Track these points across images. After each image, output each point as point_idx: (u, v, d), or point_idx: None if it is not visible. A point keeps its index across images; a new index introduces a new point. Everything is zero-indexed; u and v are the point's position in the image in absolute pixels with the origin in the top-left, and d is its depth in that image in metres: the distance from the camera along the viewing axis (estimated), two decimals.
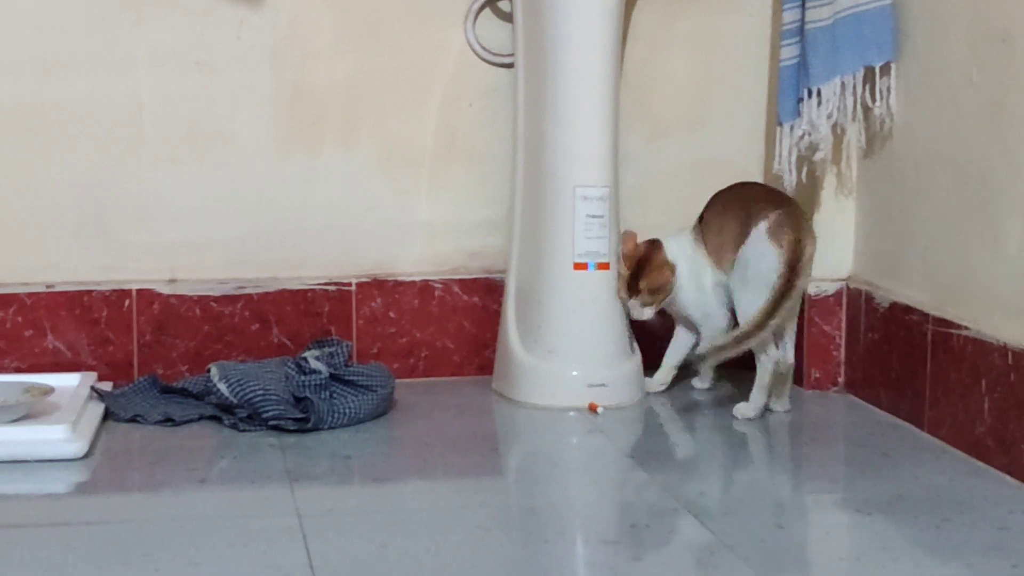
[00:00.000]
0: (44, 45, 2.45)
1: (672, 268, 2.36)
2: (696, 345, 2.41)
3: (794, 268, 2.27)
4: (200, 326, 2.50)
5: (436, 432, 2.31)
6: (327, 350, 2.36)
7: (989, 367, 2.07)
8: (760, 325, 2.25)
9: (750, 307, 2.27)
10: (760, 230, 2.29)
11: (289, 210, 2.54)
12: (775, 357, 2.30)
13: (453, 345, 2.55)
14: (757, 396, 2.31)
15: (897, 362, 2.33)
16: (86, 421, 2.19)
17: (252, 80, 2.51)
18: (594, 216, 2.39)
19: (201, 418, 2.29)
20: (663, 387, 2.45)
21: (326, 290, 2.54)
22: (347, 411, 2.26)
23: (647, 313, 2.37)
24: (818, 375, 2.50)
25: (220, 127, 2.51)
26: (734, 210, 2.34)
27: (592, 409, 2.36)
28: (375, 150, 2.56)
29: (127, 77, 2.47)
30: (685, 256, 2.37)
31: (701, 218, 2.40)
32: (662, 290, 2.36)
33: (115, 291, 2.48)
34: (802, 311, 2.49)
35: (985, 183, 2.12)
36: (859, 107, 2.37)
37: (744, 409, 2.31)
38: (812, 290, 2.49)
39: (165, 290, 2.49)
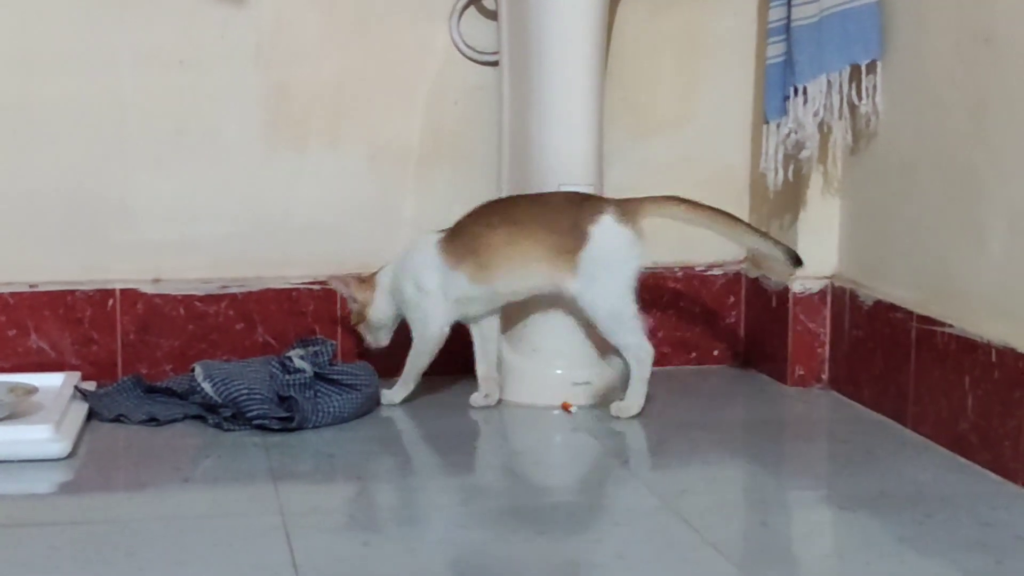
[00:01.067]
0: (27, 44, 2.45)
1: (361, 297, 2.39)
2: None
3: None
4: (184, 325, 2.50)
5: (420, 431, 2.31)
6: (311, 349, 2.36)
7: (972, 364, 2.08)
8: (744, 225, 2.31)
9: (615, 293, 2.26)
10: (606, 224, 2.27)
11: (274, 209, 2.54)
12: (650, 350, 2.29)
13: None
14: (638, 392, 2.30)
15: (881, 359, 2.33)
16: (70, 421, 2.18)
17: (236, 79, 2.51)
18: None
19: (185, 417, 2.29)
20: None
21: (311, 289, 2.54)
22: (331, 410, 2.26)
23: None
24: (802, 372, 2.50)
25: (204, 126, 2.51)
26: (537, 223, 2.28)
27: (565, 408, 2.36)
28: (360, 148, 2.56)
29: (111, 76, 2.47)
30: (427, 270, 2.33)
31: (452, 238, 2.33)
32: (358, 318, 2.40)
33: (99, 291, 2.47)
34: (787, 308, 2.50)
35: (969, 182, 2.12)
36: (845, 105, 2.37)
37: (626, 407, 2.30)
38: (797, 288, 2.50)
39: (149, 289, 2.49)
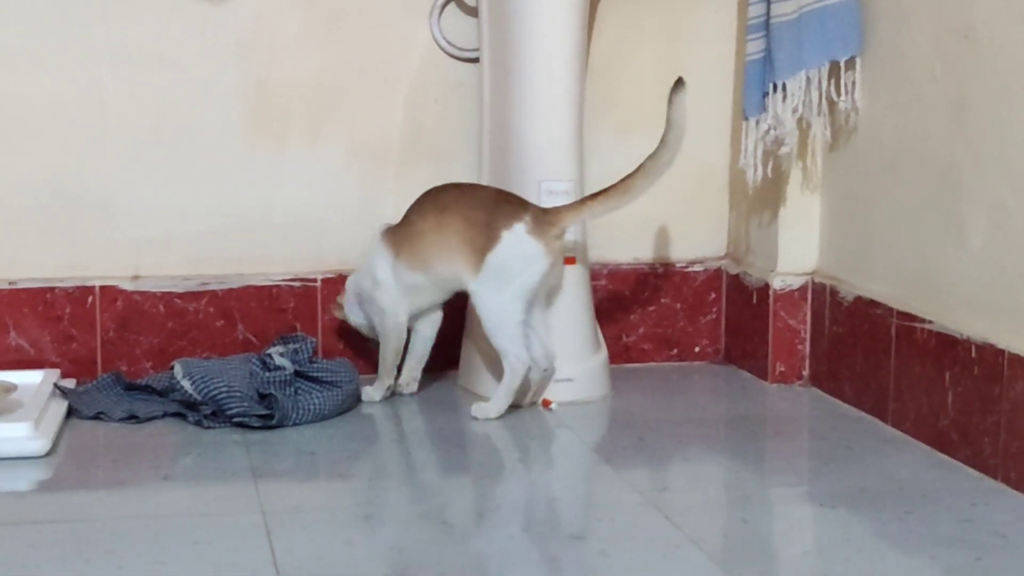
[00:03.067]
0: (6, 41, 2.44)
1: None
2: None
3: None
4: (164, 323, 2.49)
5: (401, 428, 2.31)
6: (292, 346, 2.35)
7: (952, 361, 2.08)
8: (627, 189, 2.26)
9: (505, 298, 2.26)
10: (518, 232, 2.26)
11: (254, 206, 2.54)
12: (526, 362, 2.28)
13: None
14: (502, 397, 2.29)
15: (861, 356, 2.34)
16: (49, 418, 2.18)
17: (217, 76, 2.50)
18: None
19: (165, 415, 2.28)
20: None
21: (291, 286, 2.53)
22: (312, 407, 2.25)
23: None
24: (783, 369, 2.51)
25: (184, 123, 2.50)
26: (460, 216, 2.29)
27: (545, 405, 2.36)
28: (341, 146, 2.56)
29: (90, 73, 2.46)
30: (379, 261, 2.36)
31: (396, 228, 2.36)
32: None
33: (78, 288, 2.47)
34: (767, 305, 2.51)
35: (948, 178, 2.13)
36: (824, 101, 2.38)
37: (486, 409, 2.29)
38: (777, 284, 2.50)
39: (129, 287, 2.48)
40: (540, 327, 2.32)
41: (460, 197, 2.32)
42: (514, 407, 2.32)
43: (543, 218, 2.28)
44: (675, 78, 2.26)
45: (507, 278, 2.27)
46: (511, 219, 2.27)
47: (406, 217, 2.37)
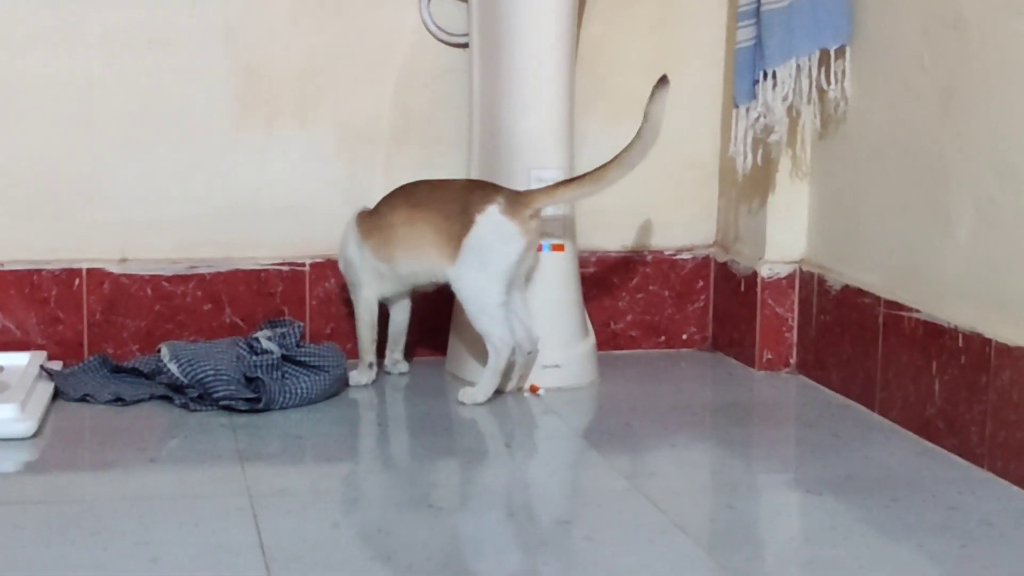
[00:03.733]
0: None
1: None
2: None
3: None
4: (151, 305, 2.49)
5: (388, 413, 2.31)
6: (279, 330, 2.35)
7: (939, 349, 2.08)
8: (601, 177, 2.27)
9: (483, 280, 2.27)
10: (491, 214, 2.27)
11: (243, 190, 2.53)
12: (509, 343, 2.29)
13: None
14: (488, 380, 2.29)
15: (849, 344, 2.34)
16: (35, 400, 2.17)
17: (205, 59, 2.49)
18: None
19: (151, 398, 2.28)
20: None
21: (280, 270, 2.53)
22: (299, 391, 2.25)
23: None
24: (770, 356, 2.51)
25: (173, 106, 2.49)
26: (432, 208, 2.30)
27: (533, 391, 2.36)
28: (330, 130, 2.55)
29: (78, 55, 2.45)
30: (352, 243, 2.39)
31: (369, 214, 2.39)
32: None
33: (65, 270, 2.46)
34: (755, 293, 2.51)
35: (936, 168, 2.13)
36: (814, 89, 2.38)
37: (473, 393, 2.30)
38: (765, 272, 2.51)
39: (116, 269, 2.48)
40: (521, 310, 2.32)
41: (432, 192, 2.34)
42: (498, 393, 2.31)
43: (516, 199, 2.29)
44: (664, 70, 2.27)
45: (485, 260, 2.27)
46: (484, 203, 2.28)
47: (377, 209, 2.38)
